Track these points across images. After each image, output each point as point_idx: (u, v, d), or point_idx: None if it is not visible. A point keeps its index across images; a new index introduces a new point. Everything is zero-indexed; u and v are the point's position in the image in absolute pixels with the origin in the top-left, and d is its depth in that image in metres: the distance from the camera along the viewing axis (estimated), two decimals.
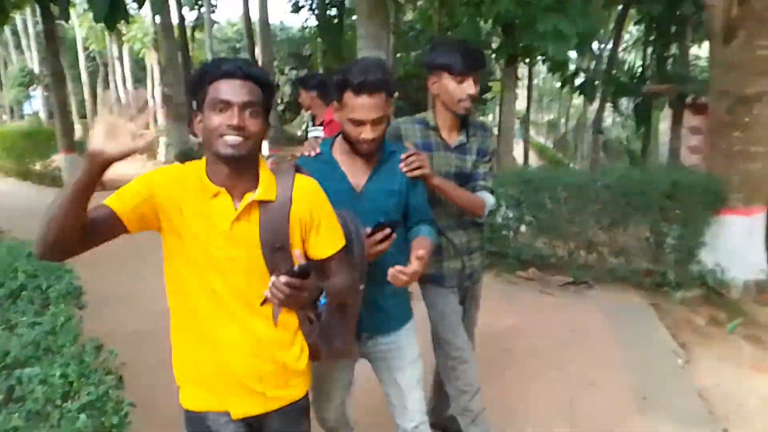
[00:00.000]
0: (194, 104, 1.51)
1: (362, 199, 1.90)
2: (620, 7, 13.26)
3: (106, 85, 27.48)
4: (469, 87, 2.23)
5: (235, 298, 1.51)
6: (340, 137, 1.95)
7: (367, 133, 1.79)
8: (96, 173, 1.26)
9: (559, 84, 15.35)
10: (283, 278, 1.36)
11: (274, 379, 1.59)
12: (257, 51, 15.08)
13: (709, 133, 5.45)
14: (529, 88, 17.65)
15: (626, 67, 16.41)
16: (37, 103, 25.84)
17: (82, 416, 1.49)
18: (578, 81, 13.31)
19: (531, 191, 5.37)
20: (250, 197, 1.48)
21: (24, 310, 2.14)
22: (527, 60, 11.47)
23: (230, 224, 1.47)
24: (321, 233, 1.59)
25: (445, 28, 12.88)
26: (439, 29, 12.95)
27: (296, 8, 17.12)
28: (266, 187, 1.51)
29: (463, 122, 2.38)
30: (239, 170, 1.47)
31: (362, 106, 1.76)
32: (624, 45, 18.64)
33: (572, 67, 13.07)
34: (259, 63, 15.41)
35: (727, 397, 3.35)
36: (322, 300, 1.62)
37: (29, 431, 1.46)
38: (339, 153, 1.95)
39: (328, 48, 14.40)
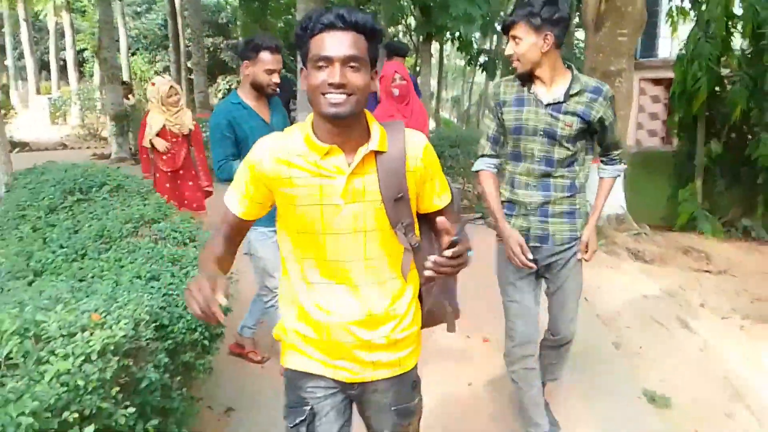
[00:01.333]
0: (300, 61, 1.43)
1: (272, 128, 2.59)
2: None
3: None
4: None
5: (349, 261, 1.45)
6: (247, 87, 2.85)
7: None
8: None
9: (464, 62, 16.83)
10: (447, 252, 1.28)
11: (384, 347, 1.51)
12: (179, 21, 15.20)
13: None
14: (441, 64, 19.00)
15: None
16: None
17: None
18: (482, 59, 14.83)
19: (447, 146, 6.67)
20: (363, 150, 1.40)
21: None
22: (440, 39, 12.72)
23: (347, 179, 1.39)
24: (436, 185, 1.54)
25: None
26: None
27: None
28: (380, 138, 1.42)
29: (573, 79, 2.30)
30: (348, 126, 1.38)
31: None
32: None
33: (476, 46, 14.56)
34: (180, 32, 15.54)
35: (592, 284, 4.72)
36: (471, 251, 1.44)
37: None
38: (248, 99, 2.87)
39: (248, 15, 14.77)
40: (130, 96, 10.96)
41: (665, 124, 7.77)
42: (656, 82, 7.66)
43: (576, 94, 2.28)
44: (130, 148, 10.16)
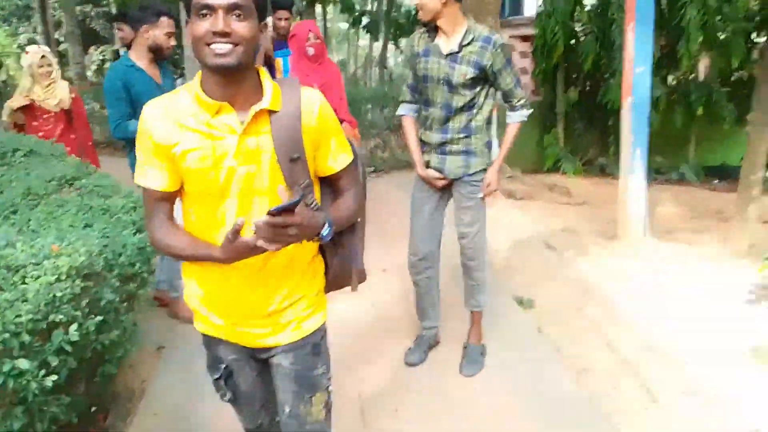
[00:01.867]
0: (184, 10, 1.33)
1: (162, 90, 2.89)
2: None
3: None
4: None
5: (248, 222, 1.31)
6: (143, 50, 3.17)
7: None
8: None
9: (347, 25, 17.11)
10: (264, 218, 1.21)
11: (281, 310, 1.49)
12: None
13: None
14: (325, 28, 19.09)
15: (402, 9, 18.72)
16: None
17: None
18: (365, 21, 15.20)
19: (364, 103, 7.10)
20: (256, 107, 1.33)
21: None
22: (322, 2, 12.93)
23: (239, 139, 1.33)
24: (333, 145, 1.47)
25: None
26: None
27: None
28: (273, 95, 1.36)
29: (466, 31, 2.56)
30: (237, 81, 1.32)
31: None
32: None
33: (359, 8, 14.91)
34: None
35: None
36: (327, 229, 1.39)
37: None
38: (140, 62, 3.19)
39: None
40: None
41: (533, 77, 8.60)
42: (524, 38, 8.41)
43: (469, 43, 2.57)
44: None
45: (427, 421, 2.62)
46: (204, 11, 1.25)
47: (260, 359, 1.59)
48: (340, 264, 1.60)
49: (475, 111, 2.72)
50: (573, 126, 8.56)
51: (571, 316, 3.69)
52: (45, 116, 4.27)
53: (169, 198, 1.43)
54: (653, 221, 4.96)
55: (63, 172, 2.79)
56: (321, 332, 1.59)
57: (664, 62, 8.13)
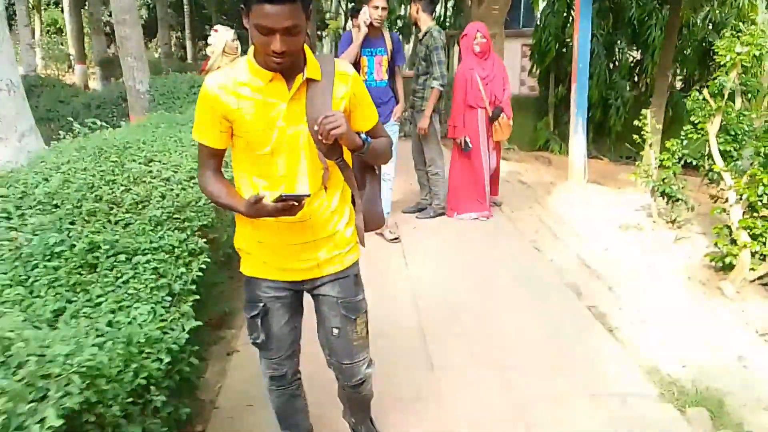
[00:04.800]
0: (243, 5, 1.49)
1: None
2: None
3: None
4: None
5: (296, 174, 1.65)
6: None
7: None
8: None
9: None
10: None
11: (326, 247, 1.75)
12: None
13: None
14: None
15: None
16: None
17: None
18: (399, 24, 17.67)
19: None
20: (301, 77, 1.57)
21: None
22: None
23: (287, 103, 1.57)
24: (364, 109, 1.75)
25: None
26: None
27: None
28: (313, 68, 1.60)
29: None
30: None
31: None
32: None
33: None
34: None
35: None
36: (366, 139, 1.69)
37: None
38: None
39: None
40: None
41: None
42: (527, 45, 10.80)
43: (424, 36, 4.93)
44: None
45: None
46: (264, 31, 1.45)
47: (301, 292, 1.85)
48: (366, 208, 1.87)
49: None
50: (560, 115, 10.84)
51: (530, 217, 5.91)
52: None
53: (218, 154, 1.69)
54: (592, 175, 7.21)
55: None
56: (357, 265, 1.87)
57: (634, 71, 10.43)
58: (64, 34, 19.02)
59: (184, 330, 1.99)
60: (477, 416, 2.56)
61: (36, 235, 2.25)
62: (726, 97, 3.98)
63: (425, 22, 4.95)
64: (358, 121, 1.75)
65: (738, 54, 3.79)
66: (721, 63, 4.01)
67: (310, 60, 1.62)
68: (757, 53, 3.73)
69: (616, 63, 10.36)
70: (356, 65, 4.13)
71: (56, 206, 2.57)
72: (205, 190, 1.74)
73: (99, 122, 4.00)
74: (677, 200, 4.92)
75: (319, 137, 1.58)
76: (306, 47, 1.61)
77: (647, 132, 4.95)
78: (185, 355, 2.08)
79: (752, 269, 3.81)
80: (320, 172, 1.68)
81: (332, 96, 1.64)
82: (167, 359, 1.83)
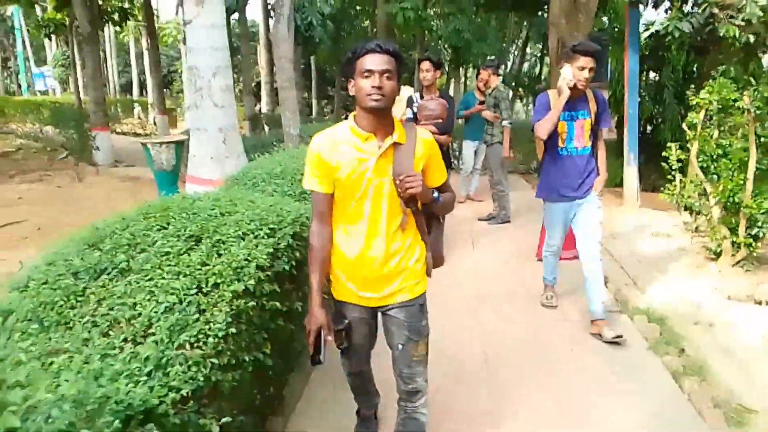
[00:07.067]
0: (345, 74, 2.01)
1: None
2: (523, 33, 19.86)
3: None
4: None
5: (379, 217, 2.01)
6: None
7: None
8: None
9: None
10: (401, 176, 1.97)
11: (399, 279, 2.10)
12: None
13: None
14: (465, 84, 24.29)
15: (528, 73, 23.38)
16: (50, 81, 29.12)
17: None
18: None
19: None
20: (390, 139, 1.96)
21: None
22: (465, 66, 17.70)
23: (377, 159, 1.95)
24: (436, 168, 2.11)
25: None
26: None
27: None
28: (401, 133, 2.00)
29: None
30: (381, 119, 1.95)
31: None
32: (528, 57, 25.73)
33: None
34: None
35: None
36: (437, 194, 2.12)
37: None
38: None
39: None
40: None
41: None
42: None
43: (492, 90, 6.98)
44: None
45: None
46: (366, 73, 1.90)
47: (376, 314, 2.22)
48: (430, 249, 2.24)
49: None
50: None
51: None
52: None
53: (326, 198, 2.07)
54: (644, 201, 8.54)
55: None
56: (425, 295, 2.21)
57: None
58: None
59: None
60: None
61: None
62: (699, 129, 5.48)
63: (494, 81, 7.04)
64: (432, 177, 2.12)
65: (703, 99, 5.36)
66: (691, 105, 5.59)
67: (398, 127, 2.03)
68: (716, 99, 5.22)
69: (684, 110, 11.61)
70: (554, 131, 3.76)
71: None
72: (310, 238, 2.13)
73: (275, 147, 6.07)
74: (698, 213, 6.26)
75: (399, 191, 1.98)
76: (394, 118, 2.04)
77: (673, 161, 6.35)
78: None
79: (733, 255, 5.18)
80: (398, 216, 2.06)
81: (414, 156, 2.01)
82: None
